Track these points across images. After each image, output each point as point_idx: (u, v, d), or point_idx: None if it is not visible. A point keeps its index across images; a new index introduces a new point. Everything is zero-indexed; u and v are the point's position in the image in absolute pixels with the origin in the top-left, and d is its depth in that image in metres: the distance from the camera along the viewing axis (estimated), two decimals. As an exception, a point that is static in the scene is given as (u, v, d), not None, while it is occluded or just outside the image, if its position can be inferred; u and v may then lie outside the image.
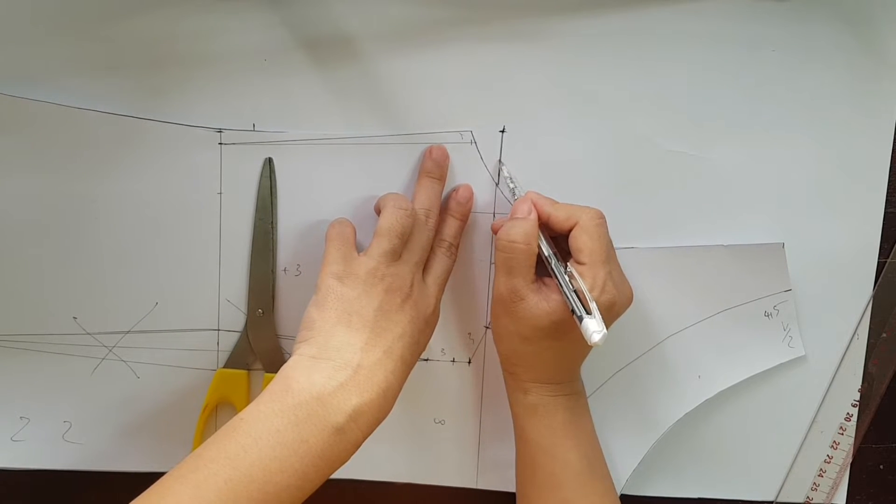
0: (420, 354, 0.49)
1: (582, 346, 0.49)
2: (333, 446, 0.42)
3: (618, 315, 0.49)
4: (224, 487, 0.39)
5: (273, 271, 0.53)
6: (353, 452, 0.44)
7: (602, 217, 0.49)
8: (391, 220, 0.47)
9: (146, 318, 0.54)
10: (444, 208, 0.52)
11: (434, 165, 0.51)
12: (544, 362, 0.50)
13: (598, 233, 0.48)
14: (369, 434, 0.44)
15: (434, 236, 0.51)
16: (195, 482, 0.39)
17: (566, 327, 0.47)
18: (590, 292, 0.46)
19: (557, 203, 0.50)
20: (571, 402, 0.51)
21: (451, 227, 0.52)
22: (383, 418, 0.45)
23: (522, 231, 0.48)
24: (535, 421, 0.51)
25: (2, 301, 0.53)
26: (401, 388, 0.46)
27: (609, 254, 0.48)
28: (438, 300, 0.50)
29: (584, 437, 0.51)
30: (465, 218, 0.53)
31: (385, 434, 0.56)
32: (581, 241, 0.47)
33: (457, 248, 0.52)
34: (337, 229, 0.49)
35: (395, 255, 0.48)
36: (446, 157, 0.52)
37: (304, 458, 0.41)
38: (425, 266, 0.50)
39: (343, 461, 0.43)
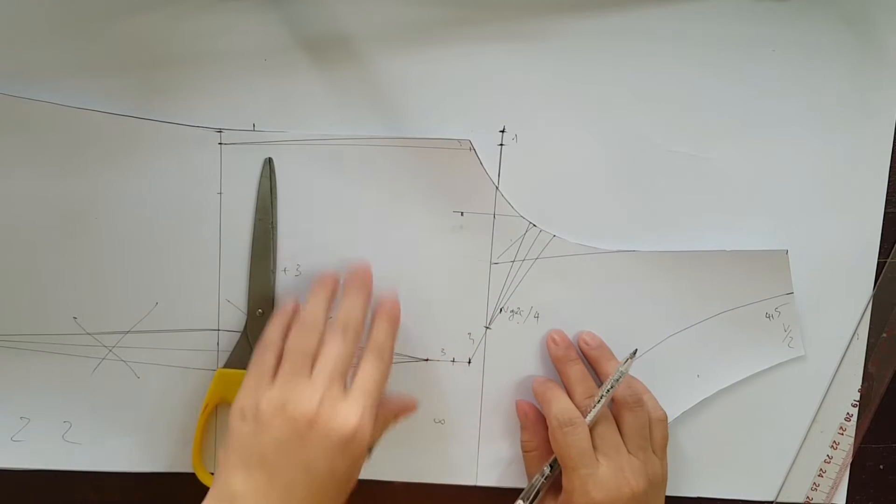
0: (352, 477, 0.46)
1: None
2: None
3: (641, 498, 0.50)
4: None
5: (273, 271, 0.53)
6: None
7: (566, 423, 0.50)
8: (290, 338, 0.47)
9: (146, 318, 0.54)
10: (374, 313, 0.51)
11: (357, 282, 0.50)
12: None
13: (563, 439, 0.49)
14: None
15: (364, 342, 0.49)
16: None
17: None
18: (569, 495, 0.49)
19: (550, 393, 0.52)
20: None
21: (379, 329, 0.49)
22: None
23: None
24: None
25: (2, 301, 0.53)
26: None
27: (581, 455, 0.49)
28: (367, 414, 0.45)
29: None
30: (393, 321, 0.50)
31: (385, 434, 0.56)
32: (553, 447, 0.50)
33: (390, 350, 0.49)
34: (257, 353, 0.49)
35: (299, 374, 0.46)
36: (369, 276, 0.51)
37: None
38: (354, 375, 0.47)
39: None
